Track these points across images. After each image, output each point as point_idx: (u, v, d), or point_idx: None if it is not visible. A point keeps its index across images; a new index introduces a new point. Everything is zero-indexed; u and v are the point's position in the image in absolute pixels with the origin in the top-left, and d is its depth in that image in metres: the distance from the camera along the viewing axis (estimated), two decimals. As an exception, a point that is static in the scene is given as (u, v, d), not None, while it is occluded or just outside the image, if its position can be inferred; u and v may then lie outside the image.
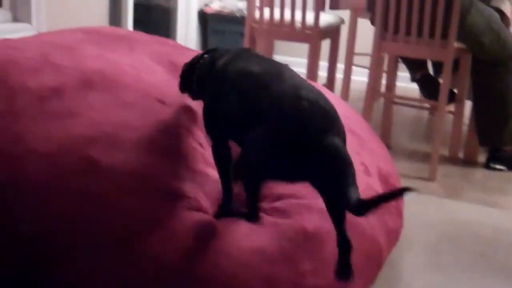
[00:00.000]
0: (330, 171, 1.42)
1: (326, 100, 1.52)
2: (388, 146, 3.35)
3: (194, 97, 1.85)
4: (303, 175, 1.48)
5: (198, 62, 1.79)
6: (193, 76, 1.79)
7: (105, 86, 1.82)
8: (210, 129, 1.73)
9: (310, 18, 3.57)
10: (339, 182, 1.40)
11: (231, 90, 1.61)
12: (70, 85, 1.79)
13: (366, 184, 1.98)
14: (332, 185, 1.43)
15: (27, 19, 3.39)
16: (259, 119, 1.49)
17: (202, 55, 1.81)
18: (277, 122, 1.46)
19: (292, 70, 1.63)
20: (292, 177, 1.52)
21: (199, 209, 1.65)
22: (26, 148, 1.64)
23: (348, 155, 1.44)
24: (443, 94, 3.17)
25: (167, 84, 1.94)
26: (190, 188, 1.67)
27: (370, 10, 3.49)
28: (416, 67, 3.73)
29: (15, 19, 3.43)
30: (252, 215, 1.68)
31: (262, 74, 1.57)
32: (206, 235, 1.59)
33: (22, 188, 1.59)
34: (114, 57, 1.97)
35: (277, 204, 1.78)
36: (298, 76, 1.60)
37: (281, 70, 1.60)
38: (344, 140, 1.49)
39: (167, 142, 1.74)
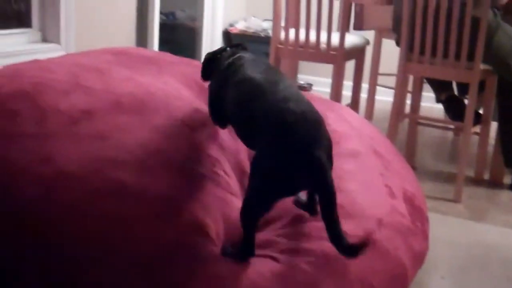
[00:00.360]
0: (312, 184, 1.52)
1: (313, 112, 1.56)
2: (413, 167, 3.33)
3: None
4: (294, 189, 1.58)
5: (220, 54, 1.87)
6: (213, 66, 1.87)
7: (135, 109, 1.84)
8: (212, 114, 1.88)
9: (335, 39, 3.58)
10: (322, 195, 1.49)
11: (232, 89, 1.71)
12: (100, 108, 1.81)
13: (391, 207, 1.97)
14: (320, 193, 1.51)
15: (56, 40, 3.45)
16: (251, 122, 1.59)
17: (225, 48, 1.89)
18: (266, 140, 1.53)
19: (287, 80, 1.68)
20: (287, 194, 1.59)
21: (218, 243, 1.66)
22: (55, 169, 1.65)
23: (327, 172, 1.48)
24: (469, 116, 3.16)
25: (195, 109, 1.97)
26: (212, 219, 1.68)
27: (395, 31, 3.49)
28: (441, 89, 3.71)
29: (45, 39, 3.48)
30: (249, 251, 1.64)
31: (258, 82, 1.64)
32: (226, 261, 1.60)
33: (51, 208, 1.60)
34: (143, 80, 2.00)
35: (298, 227, 1.78)
36: (291, 86, 1.65)
37: (278, 80, 1.65)
38: (329, 150, 1.54)
39: (194, 168, 1.76)
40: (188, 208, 1.65)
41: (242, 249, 1.62)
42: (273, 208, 1.61)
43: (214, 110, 1.87)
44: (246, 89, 1.66)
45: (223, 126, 1.90)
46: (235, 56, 1.81)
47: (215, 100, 1.83)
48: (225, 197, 1.75)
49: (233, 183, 1.79)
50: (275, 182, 1.50)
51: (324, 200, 1.49)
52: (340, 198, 1.82)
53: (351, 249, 1.47)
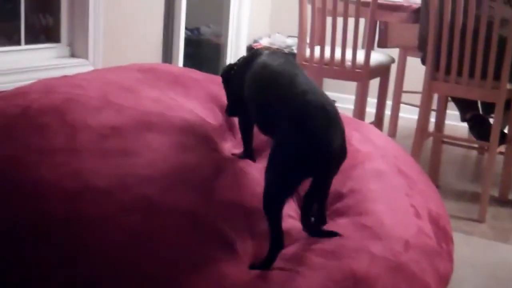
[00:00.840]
0: (321, 172, 1.64)
1: (330, 106, 1.65)
2: (436, 186, 3.32)
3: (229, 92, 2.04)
4: (308, 175, 1.65)
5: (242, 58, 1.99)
6: (234, 66, 1.98)
7: (163, 128, 1.87)
8: (233, 108, 2.00)
9: (360, 57, 3.58)
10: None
11: (250, 74, 1.81)
12: (129, 125, 1.84)
13: (418, 228, 1.97)
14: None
15: (84, 55, 3.49)
16: (268, 109, 1.71)
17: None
18: (287, 129, 1.61)
19: (304, 73, 1.77)
20: (302, 179, 1.66)
21: (244, 257, 1.67)
22: (84, 184, 1.67)
23: (337, 165, 1.66)
24: (495, 135, 3.14)
25: (221, 134, 2.02)
26: (238, 233, 1.69)
27: (421, 50, 3.49)
28: (466, 108, 3.69)
29: (73, 54, 3.53)
30: (278, 244, 1.67)
31: (276, 70, 1.75)
32: (252, 277, 1.60)
33: (78, 223, 1.62)
34: (171, 102, 2.04)
35: (325, 245, 1.77)
36: (309, 79, 1.75)
37: (297, 72, 1.74)
38: (343, 141, 1.65)
39: (222, 182, 1.77)
40: (214, 223, 1.66)
41: (272, 243, 1.65)
42: (291, 195, 1.73)
43: (235, 101, 1.97)
44: (263, 75, 1.77)
45: (235, 114, 2.02)
46: (255, 50, 1.94)
47: (237, 90, 1.91)
48: (254, 205, 1.76)
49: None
50: (294, 168, 1.59)
51: (319, 186, 1.67)
52: (368, 220, 1.84)
53: (318, 232, 1.75)
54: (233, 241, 1.67)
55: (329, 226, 1.78)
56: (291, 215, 1.84)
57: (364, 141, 2.33)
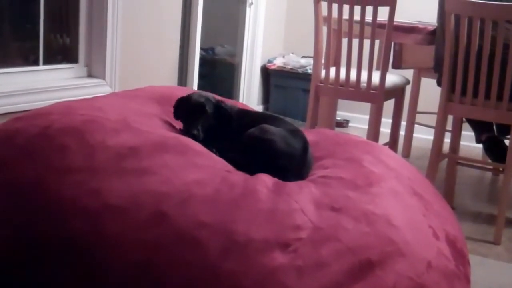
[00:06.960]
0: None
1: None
2: (452, 207, 3.31)
3: None
4: None
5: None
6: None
7: (179, 151, 1.90)
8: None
9: (375, 78, 3.59)
10: None
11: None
12: (146, 146, 1.86)
13: (437, 249, 1.96)
14: None
15: (101, 75, 3.53)
16: None
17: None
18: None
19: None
20: None
21: (270, 250, 1.66)
22: (102, 202, 1.69)
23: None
24: (511, 157, 3.13)
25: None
26: (257, 231, 1.69)
27: (437, 72, 3.49)
28: (482, 129, 3.69)
29: (90, 75, 3.57)
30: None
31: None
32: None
33: (98, 240, 1.63)
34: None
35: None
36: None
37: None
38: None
39: (234, 192, 1.78)
40: (230, 236, 1.67)
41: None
42: None
43: None
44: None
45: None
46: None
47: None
48: (265, 207, 1.76)
49: (274, 196, 1.83)
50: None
51: None
52: (392, 233, 1.83)
53: None
54: (254, 237, 1.66)
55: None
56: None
57: (377, 163, 2.33)
